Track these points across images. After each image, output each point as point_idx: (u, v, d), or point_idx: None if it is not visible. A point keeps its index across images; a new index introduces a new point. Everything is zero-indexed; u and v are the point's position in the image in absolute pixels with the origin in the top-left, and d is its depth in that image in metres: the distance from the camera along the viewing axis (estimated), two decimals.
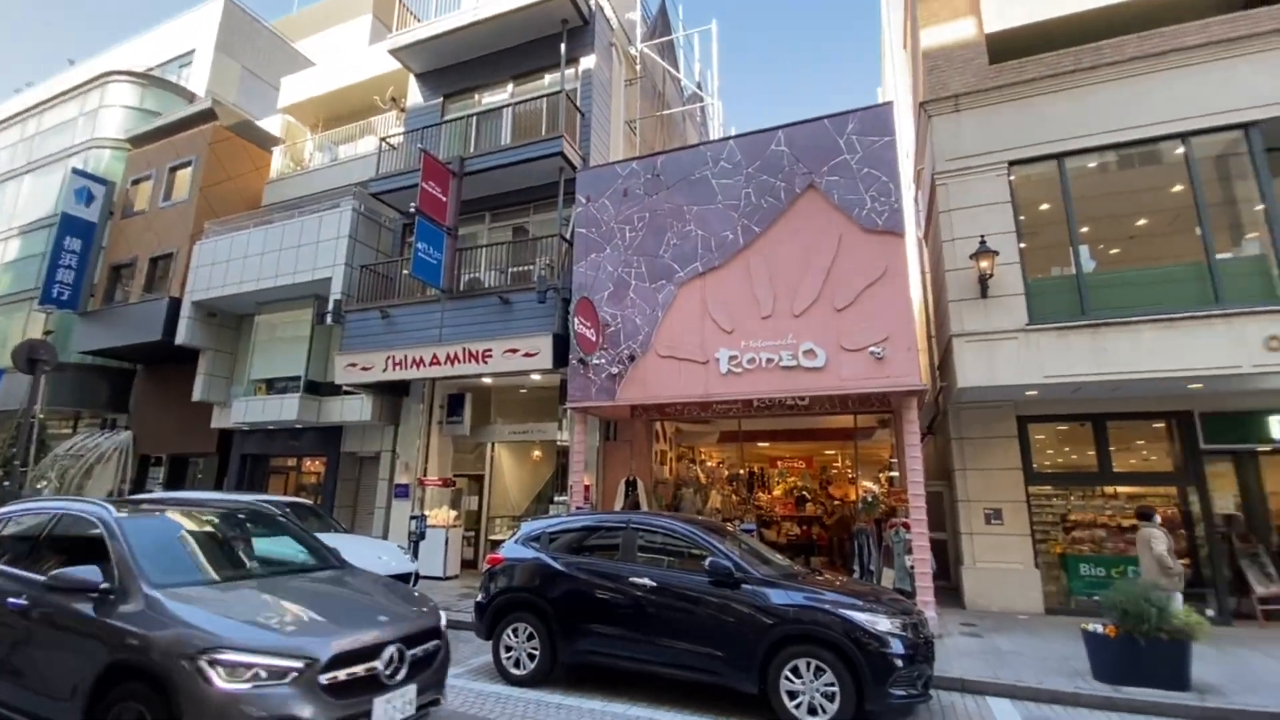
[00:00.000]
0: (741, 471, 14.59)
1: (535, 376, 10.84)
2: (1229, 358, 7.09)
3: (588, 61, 11.78)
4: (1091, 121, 8.24)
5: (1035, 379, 7.81)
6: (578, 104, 11.35)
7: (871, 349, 7.87)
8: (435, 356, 10.48)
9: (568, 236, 10.49)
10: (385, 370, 10.88)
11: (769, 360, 8.40)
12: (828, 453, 15.48)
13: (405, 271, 11.21)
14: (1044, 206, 9.04)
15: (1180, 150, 8.01)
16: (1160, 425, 8.82)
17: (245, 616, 3.30)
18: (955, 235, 8.58)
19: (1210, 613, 8.16)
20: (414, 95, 13.35)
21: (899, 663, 4.49)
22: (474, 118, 12.22)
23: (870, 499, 10.59)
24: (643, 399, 9.11)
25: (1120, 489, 9.15)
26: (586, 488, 10.05)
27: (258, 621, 3.28)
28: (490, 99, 12.73)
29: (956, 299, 8.42)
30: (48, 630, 3.54)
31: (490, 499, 12.81)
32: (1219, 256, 7.61)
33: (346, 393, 11.95)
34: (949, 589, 9.91)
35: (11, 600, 3.72)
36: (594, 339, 9.16)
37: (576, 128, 11.18)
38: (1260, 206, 7.58)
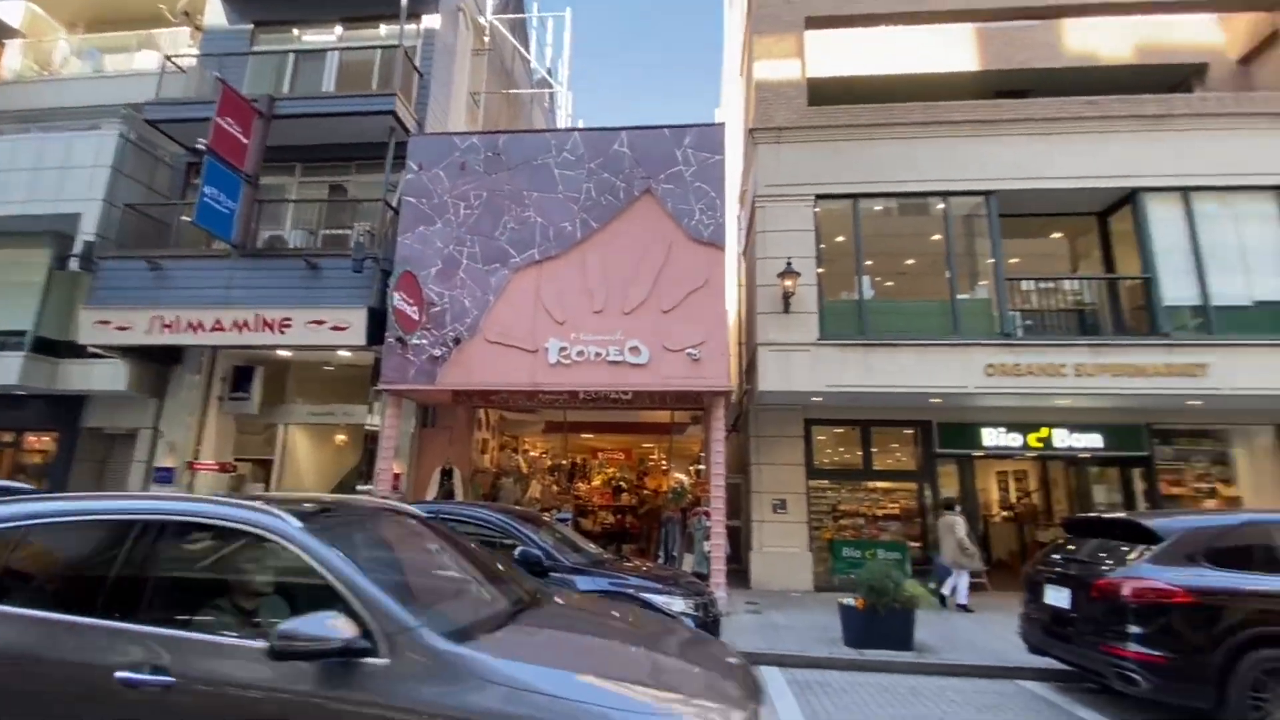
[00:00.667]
0: (564, 462, 14.74)
1: (344, 353, 9.91)
2: (960, 379, 8.78)
3: (431, 20, 11.02)
4: (880, 170, 9.65)
5: (821, 386, 8.96)
6: (416, 63, 10.57)
7: (690, 350, 8.43)
8: (219, 321, 9.08)
9: (394, 204, 9.73)
10: (150, 332, 9.17)
11: (598, 354, 8.60)
12: (646, 445, 16.26)
13: (187, 218, 9.55)
14: (839, 239, 10.38)
15: (941, 206, 9.71)
16: (909, 431, 10.62)
17: (621, 677, 2.24)
18: (768, 254, 9.51)
19: (933, 585, 10.04)
20: (215, 13, 11.41)
21: None
22: (291, 55, 10.79)
23: (679, 489, 11.35)
24: (467, 384, 8.79)
25: (878, 484, 10.87)
26: (396, 476, 9.43)
27: (650, 685, 2.23)
28: (313, 38, 11.34)
29: (764, 311, 9.34)
30: None
31: (280, 487, 11.44)
32: (959, 297, 9.38)
33: (94, 355, 9.85)
34: (740, 571, 10.98)
35: (137, 677, 2.15)
36: (416, 317, 8.63)
37: (414, 89, 10.40)
38: (991, 260, 9.47)
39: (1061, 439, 9.90)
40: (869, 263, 10.95)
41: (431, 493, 9.94)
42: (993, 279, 9.38)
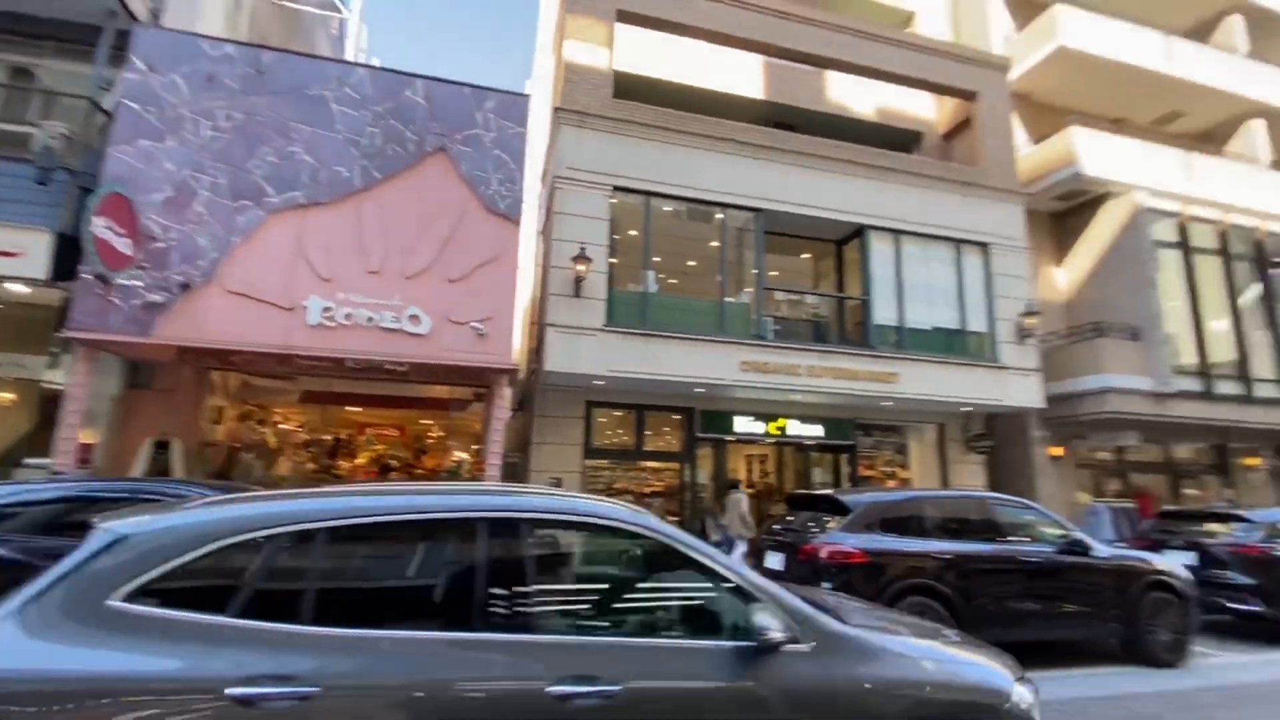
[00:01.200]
0: (326, 437, 13.27)
1: (17, 287, 7.65)
2: (721, 372, 9.82)
3: None
4: (673, 173, 10.29)
5: (604, 371, 9.32)
6: None
7: (475, 325, 8.15)
8: None
9: (106, 106, 7.74)
10: None
11: (371, 319, 7.86)
12: (424, 422, 15.37)
13: None
14: (632, 232, 10.88)
15: (720, 216, 10.70)
16: (677, 417, 11.60)
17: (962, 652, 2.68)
18: (563, 237, 9.57)
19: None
20: None
21: None
22: None
23: (454, 468, 10.95)
24: (197, 340, 7.38)
25: (648, 464, 11.71)
26: (85, 447, 7.58)
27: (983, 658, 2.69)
28: None
29: (556, 294, 9.40)
30: None
31: None
32: (727, 299, 10.47)
33: None
34: None
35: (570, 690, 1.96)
36: (127, 252, 6.99)
37: None
38: (754, 270, 10.70)
39: (794, 428, 11.65)
40: (657, 259, 11.63)
41: (139, 468, 8.22)
42: (755, 287, 10.62)
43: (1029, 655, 5.95)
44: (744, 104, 12.77)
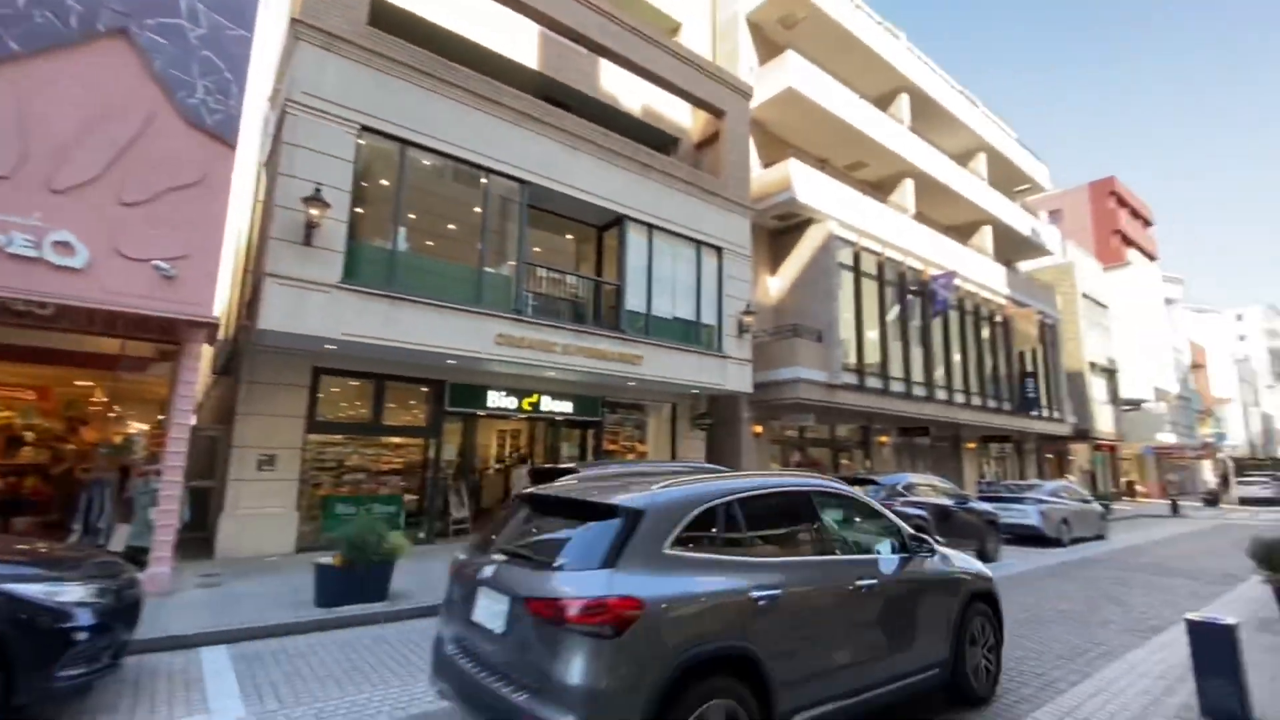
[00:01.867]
0: None
1: None
2: (476, 345, 9.48)
3: None
4: (435, 125, 9.52)
5: (336, 334, 8.27)
6: None
7: (160, 264, 6.54)
8: None
9: None
10: None
11: None
12: (81, 384, 11.91)
13: None
14: (383, 181, 9.82)
15: (485, 181, 10.25)
16: (425, 389, 10.92)
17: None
18: (295, 173, 8.20)
19: (422, 535, 10.59)
20: None
21: (81, 636, 3.72)
22: None
23: (122, 443, 8.74)
24: None
25: (387, 439, 10.80)
26: None
27: None
28: None
29: (280, 238, 8.02)
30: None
31: None
32: (486, 269, 10.12)
33: None
34: (204, 539, 9.21)
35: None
36: None
37: None
38: (516, 242, 10.52)
39: (546, 404, 11.87)
40: (412, 216, 10.73)
41: None
42: (516, 260, 10.46)
43: None
44: (518, 70, 12.39)
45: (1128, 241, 45.35)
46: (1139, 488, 34.68)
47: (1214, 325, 64.35)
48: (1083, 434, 27.57)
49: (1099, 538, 15.23)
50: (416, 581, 7.53)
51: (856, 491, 4.30)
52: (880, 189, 20.19)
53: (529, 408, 11.69)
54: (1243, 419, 58.81)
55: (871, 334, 16.74)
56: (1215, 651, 3.92)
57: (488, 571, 3.25)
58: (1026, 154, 26.66)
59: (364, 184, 10.08)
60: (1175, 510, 24.42)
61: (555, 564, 3.03)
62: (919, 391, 17.82)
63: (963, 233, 23.59)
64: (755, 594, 3.16)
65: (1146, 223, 50.25)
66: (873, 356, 16.62)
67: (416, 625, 6.08)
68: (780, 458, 16.39)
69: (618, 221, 11.98)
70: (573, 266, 13.32)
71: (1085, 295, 30.13)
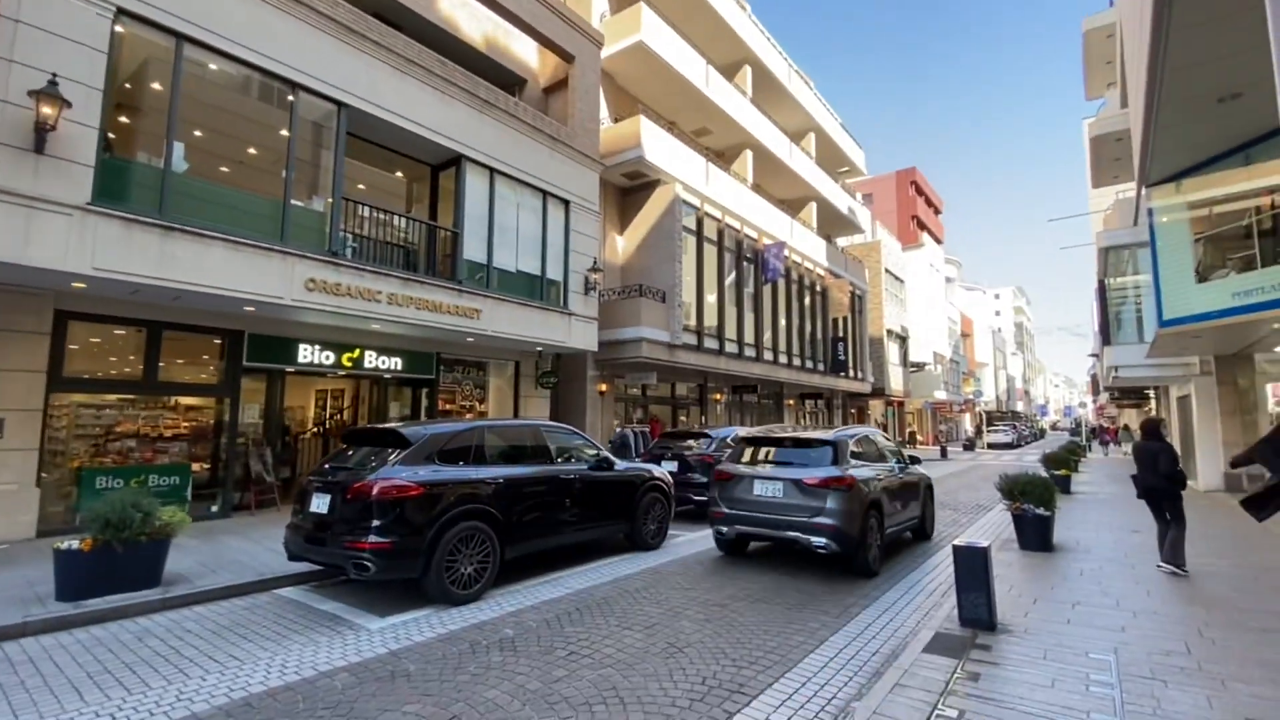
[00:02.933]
0: None
1: None
2: (279, 289, 8.21)
3: None
4: (224, 19, 7.88)
5: (85, 269, 6.65)
6: None
7: None
8: None
9: None
10: None
11: None
12: None
13: None
14: (155, 85, 8.00)
15: (292, 99, 8.77)
16: (217, 341, 9.33)
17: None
18: (18, 58, 6.31)
19: (215, 508, 9.19)
20: None
21: None
22: None
23: None
24: None
25: (167, 399, 9.11)
26: None
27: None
28: None
29: None
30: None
31: None
32: (294, 202, 8.75)
33: None
34: None
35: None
36: None
37: None
38: (332, 175, 9.21)
39: (371, 360, 10.79)
40: (198, 134, 8.95)
41: None
42: (331, 195, 9.18)
43: (567, 557, 7.14)
44: None
45: (922, 226, 52.27)
46: (919, 437, 41.03)
47: (978, 301, 77.23)
48: (879, 392, 31.75)
49: None
50: (201, 560, 6.51)
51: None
52: (723, 158, 20.93)
53: (350, 364, 10.54)
54: (994, 380, 71.83)
55: (710, 297, 17.50)
56: (972, 570, 4.60)
57: (764, 470, 6.93)
58: (849, 139, 29.28)
59: (129, 86, 8.15)
60: (944, 455, 29.26)
61: (808, 465, 6.74)
62: (749, 353, 19.12)
63: (793, 207, 25.43)
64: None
65: (937, 210, 58.29)
66: (711, 319, 17.42)
67: (198, 613, 5.21)
68: (624, 415, 16.73)
69: (455, 161, 11.02)
70: (404, 208, 12.11)
71: (888, 270, 34.30)
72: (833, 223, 28.81)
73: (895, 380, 34.26)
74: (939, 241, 55.32)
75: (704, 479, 9.74)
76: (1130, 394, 27.88)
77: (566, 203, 12.93)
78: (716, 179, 17.91)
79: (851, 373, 26.69)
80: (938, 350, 42.86)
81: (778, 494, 6.63)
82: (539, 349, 13.03)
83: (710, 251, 17.69)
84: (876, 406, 34.96)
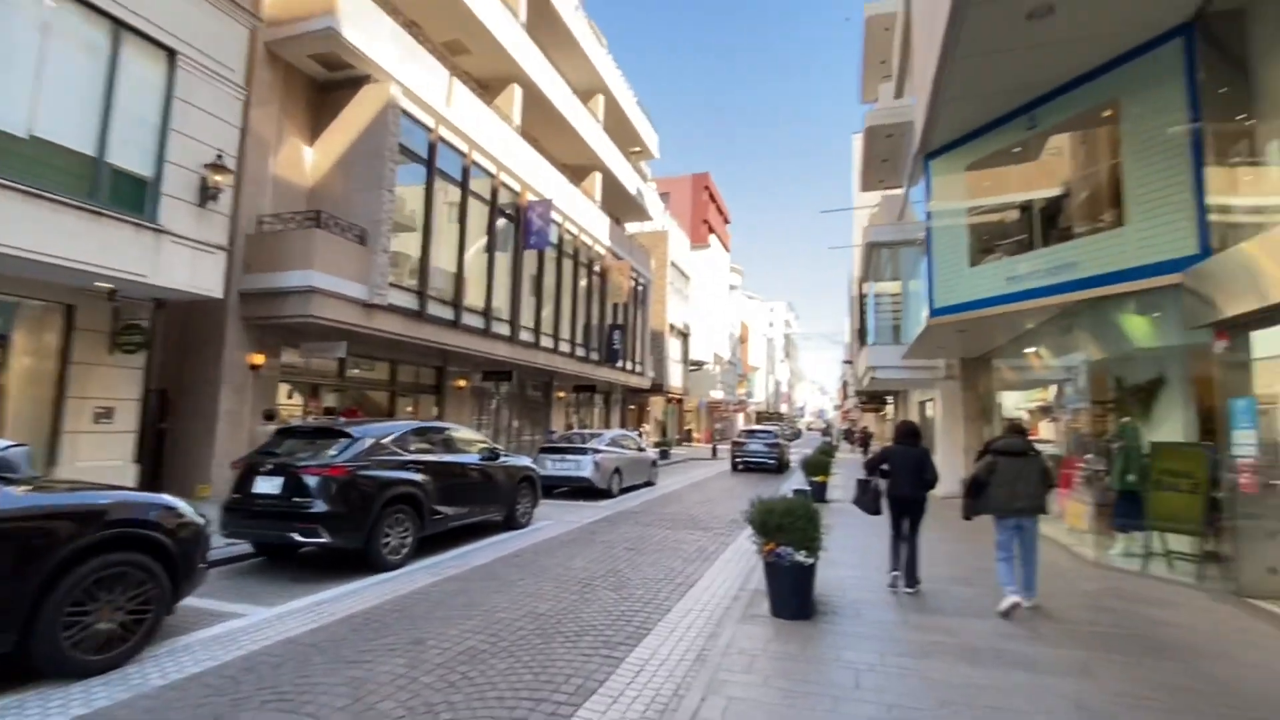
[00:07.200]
0: None
1: None
2: None
3: None
4: None
5: None
6: None
7: None
8: None
9: None
10: None
11: None
12: None
13: None
14: None
15: None
16: None
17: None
18: None
19: None
20: None
21: None
22: None
23: None
24: None
25: None
26: None
27: None
28: None
29: None
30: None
31: None
32: None
33: None
34: None
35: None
36: None
37: None
38: None
39: None
40: None
41: None
42: None
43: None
44: None
45: (711, 229, 53.76)
46: (695, 435, 41.30)
47: (756, 310, 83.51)
48: (658, 388, 30.46)
49: (649, 484, 15.49)
50: None
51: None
52: (487, 90, 17.06)
53: None
54: (764, 383, 77.99)
55: (447, 254, 13.57)
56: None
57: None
58: (643, 117, 27.32)
59: None
60: (714, 454, 28.77)
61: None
62: (501, 330, 15.56)
63: (575, 174, 22.44)
64: None
65: (726, 220, 60.82)
66: (444, 283, 13.48)
67: None
68: (304, 401, 11.99)
69: None
70: None
71: (674, 264, 33.37)
72: (620, 203, 26.56)
73: (675, 377, 33.45)
74: (726, 249, 57.62)
75: (325, 508, 5.88)
76: (873, 399, 30.03)
77: (171, 52, 8.04)
78: (466, 104, 14.00)
79: (630, 365, 24.61)
80: (718, 351, 43.76)
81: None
82: (107, 287, 7.94)
83: (451, 194, 13.74)
84: (658, 403, 33.87)
